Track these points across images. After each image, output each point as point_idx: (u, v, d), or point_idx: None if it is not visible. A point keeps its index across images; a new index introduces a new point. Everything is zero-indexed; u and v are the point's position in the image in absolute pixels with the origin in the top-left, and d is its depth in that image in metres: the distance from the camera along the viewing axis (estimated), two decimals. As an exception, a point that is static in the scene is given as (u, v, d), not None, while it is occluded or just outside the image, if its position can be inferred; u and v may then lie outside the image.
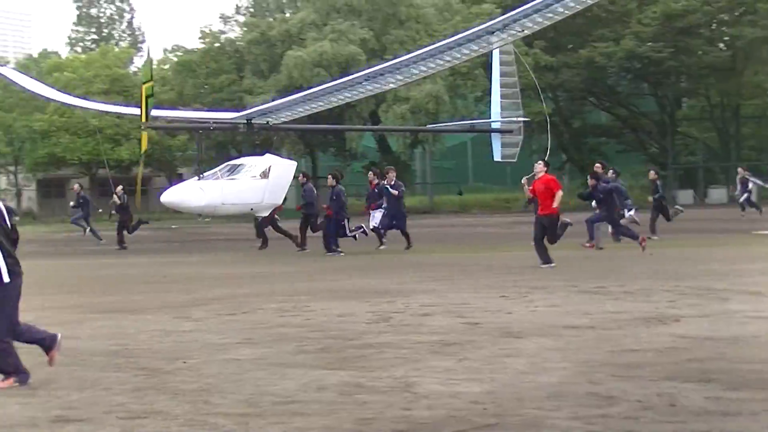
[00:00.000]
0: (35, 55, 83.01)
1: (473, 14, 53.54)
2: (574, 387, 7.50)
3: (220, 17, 65.08)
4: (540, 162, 19.63)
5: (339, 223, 24.05)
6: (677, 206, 32.58)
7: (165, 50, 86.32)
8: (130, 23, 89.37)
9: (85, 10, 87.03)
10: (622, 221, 24.13)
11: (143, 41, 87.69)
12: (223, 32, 64.06)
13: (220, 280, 17.59)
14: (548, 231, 18.64)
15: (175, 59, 65.12)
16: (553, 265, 18.08)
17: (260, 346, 9.84)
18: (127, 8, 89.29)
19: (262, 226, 26.89)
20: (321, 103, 32.10)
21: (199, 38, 62.99)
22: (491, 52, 34.11)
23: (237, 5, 64.30)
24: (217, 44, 62.44)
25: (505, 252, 23.41)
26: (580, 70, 56.55)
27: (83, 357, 9.34)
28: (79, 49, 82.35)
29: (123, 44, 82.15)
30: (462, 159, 68.03)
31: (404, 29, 55.98)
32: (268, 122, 31.87)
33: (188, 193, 28.01)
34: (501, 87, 34.56)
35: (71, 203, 33.32)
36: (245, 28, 61.70)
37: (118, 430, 6.49)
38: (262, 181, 27.85)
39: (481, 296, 13.87)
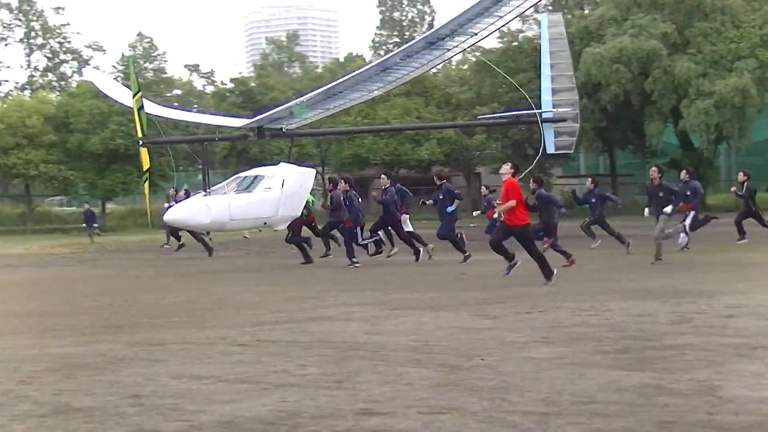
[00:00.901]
0: (341, 59, 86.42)
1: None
2: None
3: (519, 16, 65.18)
4: (507, 163, 17.53)
5: (352, 231, 23.36)
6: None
7: (464, 51, 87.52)
8: (430, 25, 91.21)
9: (388, 14, 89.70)
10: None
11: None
12: (521, 31, 64.19)
13: (514, 277, 17.59)
14: (522, 243, 16.88)
15: (473, 59, 65.90)
16: (518, 263, 17.49)
17: (558, 345, 9.79)
18: (428, 11, 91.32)
19: (293, 240, 25.64)
20: (340, 102, 29.21)
21: (498, 38, 63.49)
22: (541, 27, 30.98)
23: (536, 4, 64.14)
24: (515, 43, 62.67)
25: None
26: None
27: (386, 352, 9.62)
28: (382, 52, 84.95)
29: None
30: (771, 154, 64.80)
31: (708, 21, 54.05)
32: (282, 129, 29.64)
33: (192, 210, 25.85)
34: (551, 67, 30.78)
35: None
36: (544, 26, 61.43)
37: (418, 424, 6.63)
38: (276, 192, 25.90)
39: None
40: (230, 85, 68.63)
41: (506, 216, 16.64)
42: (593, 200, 25.66)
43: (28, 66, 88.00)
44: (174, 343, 10.64)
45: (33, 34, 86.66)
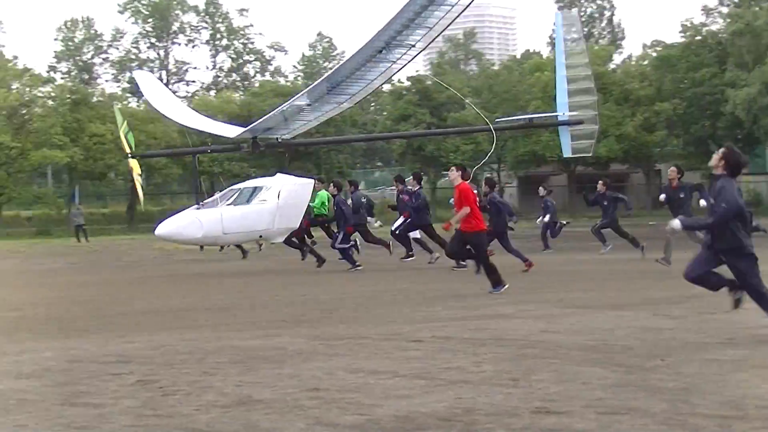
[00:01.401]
0: (518, 56, 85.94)
1: None
2: None
3: (702, 10, 63.43)
4: (453, 167, 16.87)
5: (335, 234, 23.05)
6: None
7: (644, 46, 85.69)
8: (610, 20, 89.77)
9: (566, 9, 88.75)
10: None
11: (622, 38, 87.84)
12: (705, 25, 62.38)
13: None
14: (474, 249, 16.02)
15: (654, 54, 64.49)
16: (503, 289, 15.68)
17: (742, 347, 9.47)
18: (607, 5, 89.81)
19: (292, 244, 25.22)
20: (317, 114, 27.84)
21: (680, 32, 61.91)
22: (555, 26, 28.97)
23: (721, -4, 62.36)
24: (698, 37, 60.99)
25: None
26: None
27: (563, 351, 9.50)
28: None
29: (602, 42, 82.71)
30: None
31: None
32: (278, 139, 28.47)
33: (183, 224, 25.01)
34: (567, 69, 29.38)
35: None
36: (728, 20, 59.60)
37: (595, 424, 6.52)
38: (271, 204, 24.97)
39: None
40: (407, 84, 69.12)
41: (462, 222, 15.98)
42: (605, 203, 24.90)
43: (214, 67, 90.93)
44: (351, 338, 10.79)
45: (218, 35, 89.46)
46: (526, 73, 67.50)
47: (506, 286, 15.72)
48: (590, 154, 31.72)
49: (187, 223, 24.66)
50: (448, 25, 23.80)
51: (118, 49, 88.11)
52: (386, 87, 77.01)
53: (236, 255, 29.61)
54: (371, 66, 24.16)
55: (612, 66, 68.19)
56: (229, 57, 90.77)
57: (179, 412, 7.18)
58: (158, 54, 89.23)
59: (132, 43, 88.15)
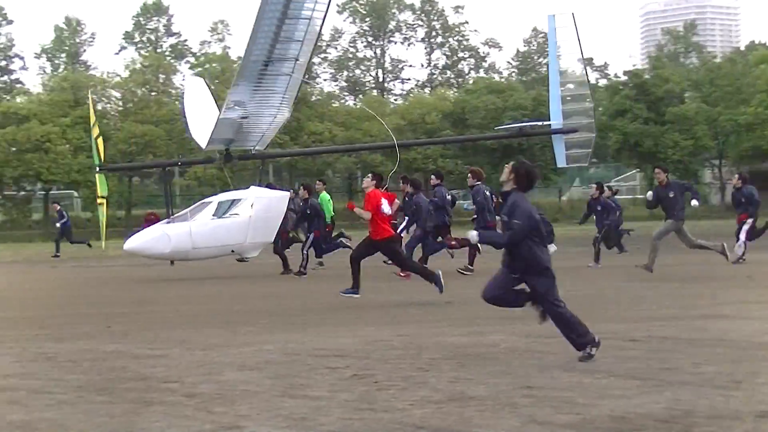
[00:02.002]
0: (742, 48, 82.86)
1: None
2: None
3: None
4: (369, 175, 16.49)
5: (316, 239, 22.81)
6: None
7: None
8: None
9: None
10: None
11: None
12: None
13: None
14: (390, 257, 15.49)
15: None
16: (357, 296, 15.43)
17: None
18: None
19: (280, 248, 24.04)
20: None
21: None
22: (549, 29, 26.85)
23: None
24: None
25: None
26: None
27: None
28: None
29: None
30: None
31: None
32: (251, 150, 27.07)
33: (150, 239, 23.97)
34: (560, 74, 27.34)
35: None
36: None
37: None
38: (243, 218, 23.94)
39: None
40: (624, 78, 67.79)
41: (370, 230, 15.78)
42: (598, 208, 23.50)
43: (429, 64, 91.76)
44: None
45: (434, 33, 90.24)
46: (751, 65, 65.07)
47: (358, 296, 15.53)
48: (586, 164, 30.15)
49: (155, 237, 23.98)
50: (318, 37, 23.06)
51: (336, 48, 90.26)
52: (603, 82, 75.95)
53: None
54: (272, 78, 23.07)
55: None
56: (444, 54, 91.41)
57: (394, 406, 7.29)
58: (375, 53, 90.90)
59: (349, 42, 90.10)
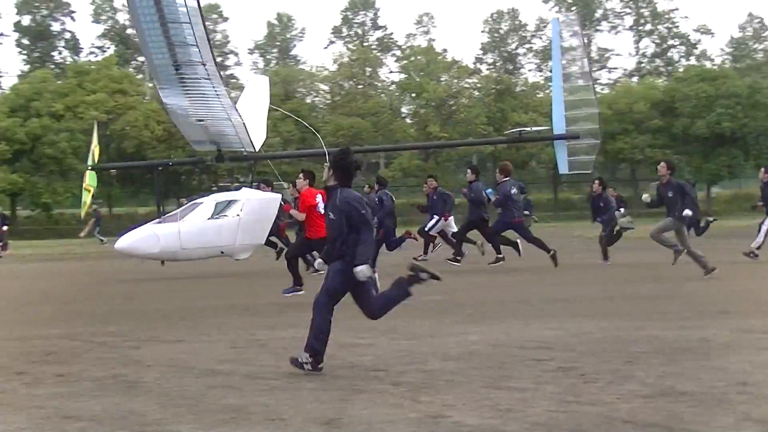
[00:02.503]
0: None
1: None
2: None
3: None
4: (300, 176, 16.60)
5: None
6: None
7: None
8: None
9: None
10: None
11: None
12: None
13: None
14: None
15: None
16: (301, 291, 16.09)
17: None
18: None
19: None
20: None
21: None
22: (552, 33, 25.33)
23: None
24: None
25: None
26: None
27: None
28: None
29: None
30: None
31: None
32: (242, 151, 26.04)
33: (139, 239, 23.48)
34: (564, 77, 26.32)
35: None
36: None
37: None
38: (232, 220, 23.38)
39: None
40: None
41: (306, 229, 16.23)
42: (601, 204, 22.42)
43: (637, 53, 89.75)
44: None
45: (642, 20, 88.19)
46: None
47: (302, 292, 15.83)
48: (590, 171, 28.25)
49: (143, 237, 23.79)
50: (208, 39, 21.46)
51: (541, 38, 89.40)
52: None
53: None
54: (194, 81, 22.03)
55: None
56: (653, 42, 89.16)
57: (600, 400, 7.17)
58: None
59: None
